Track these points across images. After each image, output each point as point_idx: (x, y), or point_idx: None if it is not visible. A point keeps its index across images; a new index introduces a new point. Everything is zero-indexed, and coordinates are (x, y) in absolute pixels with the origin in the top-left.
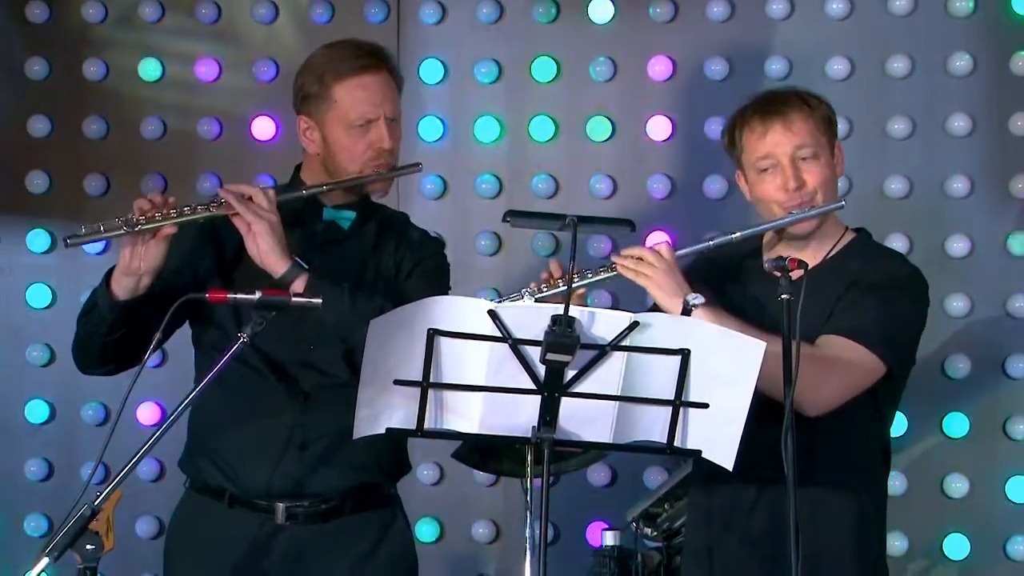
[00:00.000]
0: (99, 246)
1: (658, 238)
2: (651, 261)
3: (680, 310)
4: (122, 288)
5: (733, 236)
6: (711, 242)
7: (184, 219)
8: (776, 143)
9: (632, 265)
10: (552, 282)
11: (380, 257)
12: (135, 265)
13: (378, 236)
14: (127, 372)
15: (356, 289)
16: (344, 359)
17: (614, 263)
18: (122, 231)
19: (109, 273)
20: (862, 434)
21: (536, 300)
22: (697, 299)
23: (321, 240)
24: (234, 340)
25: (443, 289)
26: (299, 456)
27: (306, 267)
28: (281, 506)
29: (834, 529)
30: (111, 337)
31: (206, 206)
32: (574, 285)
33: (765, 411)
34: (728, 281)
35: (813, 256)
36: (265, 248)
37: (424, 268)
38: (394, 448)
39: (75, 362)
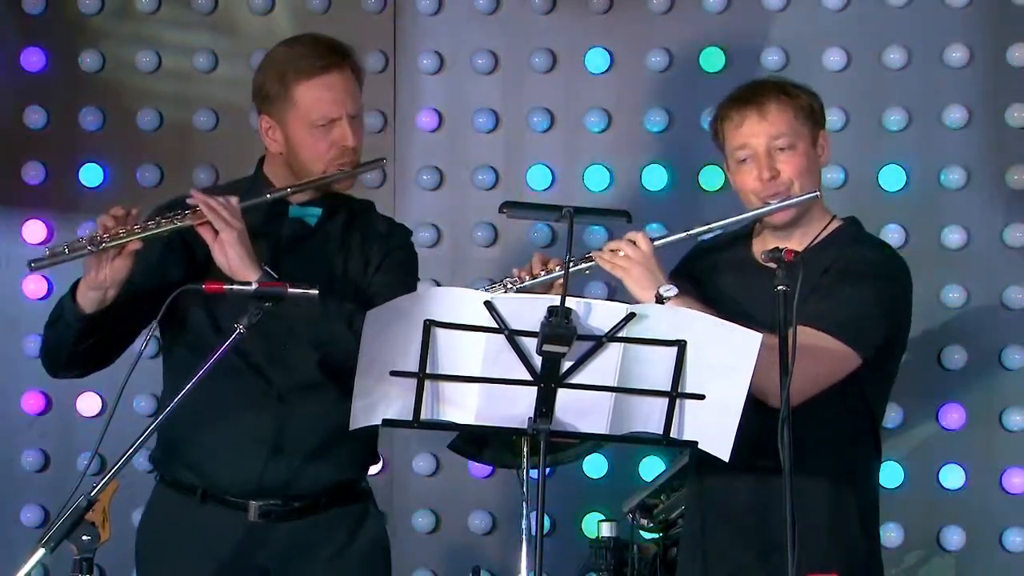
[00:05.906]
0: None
1: (654, 232)
2: (627, 253)
3: (653, 302)
4: (88, 301)
5: (712, 225)
6: (689, 231)
7: (148, 233)
8: (752, 133)
9: (608, 257)
10: (534, 275)
11: (348, 252)
12: (101, 279)
13: (345, 230)
14: (123, 363)
15: (326, 286)
16: (317, 363)
17: (591, 255)
18: (86, 251)
19: (75, 284)
20: (849, 424)
21: (517, 291)
22: (670, 291)
23: (289, 239)
24: (230, 331)
25: (412, 279)
26: (276, 455)
27: (275, 276)
28: (254, 504)
29: (818, 519)
30: (79, 347)
31: (170, 219)
32: (550, 276)
33: (748, 401)
34: (715, 272)
35: (798, 245)
36: (234, 257)
37: (392, 260)
38: (367, 442)
39: (44, 366)
